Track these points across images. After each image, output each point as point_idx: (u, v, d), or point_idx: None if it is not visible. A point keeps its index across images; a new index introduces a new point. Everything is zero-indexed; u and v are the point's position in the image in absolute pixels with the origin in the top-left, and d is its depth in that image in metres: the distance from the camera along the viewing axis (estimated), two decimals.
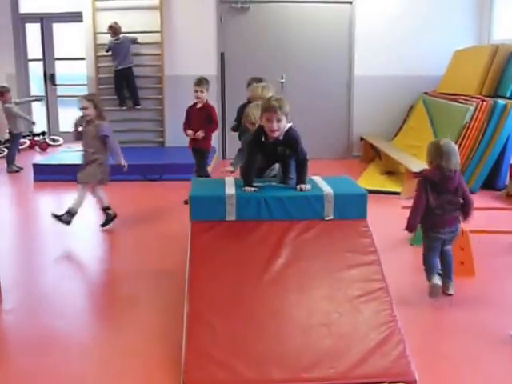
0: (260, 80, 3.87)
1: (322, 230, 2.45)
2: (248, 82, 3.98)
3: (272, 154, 2.57)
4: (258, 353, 1.96)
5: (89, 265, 3.26)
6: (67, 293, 2.86)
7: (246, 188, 2.50)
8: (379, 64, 6.37)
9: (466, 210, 2.61)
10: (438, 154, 2.56)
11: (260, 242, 2.38)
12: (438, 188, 2.56)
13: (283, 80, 6.42)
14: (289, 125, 2.47)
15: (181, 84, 6.42)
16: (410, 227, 2.63)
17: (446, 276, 2.70)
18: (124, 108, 6.40)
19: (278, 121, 2.39)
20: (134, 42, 6.23)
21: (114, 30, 6.11)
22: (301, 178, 2.53)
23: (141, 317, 2.51)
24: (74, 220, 3.72)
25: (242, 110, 3.79)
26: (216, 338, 2.01)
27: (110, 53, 6.22)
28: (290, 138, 2.48)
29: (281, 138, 2.47)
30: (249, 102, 3.58)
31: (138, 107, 6.40)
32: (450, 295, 2.67)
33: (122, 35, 6.15)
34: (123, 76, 6.25)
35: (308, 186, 2.52)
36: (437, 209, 2.57)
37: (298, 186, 2.52)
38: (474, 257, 2.97)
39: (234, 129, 3.95)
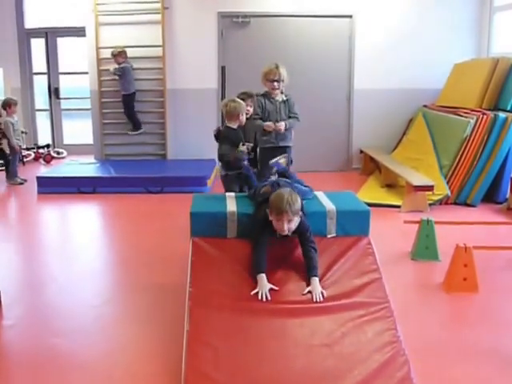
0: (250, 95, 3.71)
1: (324, 248, 2.44)
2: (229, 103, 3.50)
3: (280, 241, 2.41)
4: (259, 375, 1.93)
5: (90, 279, 3.25)
6: (68, 308, 2.85)
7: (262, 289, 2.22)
8: (379, 77, 6.41)
9: None
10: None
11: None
12: None
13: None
14: (298, 220, 2.30)
15: (182, 97, 6.49)
16: None
17: None
18: (140, 131, 6.42)
19: (289, 222, 2.26)
20: (131, 68, 6.31)
21: (124, 54, 6.15)
22: (313, 269, 2.30)
23: (142, 333, 2.50)
24: (76, 234, 3.71)
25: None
26: (216, 358, 1.97)
27: (117, 77, 6.24)
28: (300, 232, 2.35)
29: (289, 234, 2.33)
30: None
31: (141, 130, 6.44)
32: None
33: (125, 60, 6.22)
34: (133, 99, 6.30)
35: (319, 289, 2.24)
36: None
37: (312, 284, 2.26)
38: (476, 273, 2.95)
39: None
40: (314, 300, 2.22)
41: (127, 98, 6.29)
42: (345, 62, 6.47)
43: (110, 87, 6.40)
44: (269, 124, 3.63)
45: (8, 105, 5.91)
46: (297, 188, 2.55)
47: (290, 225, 2.29)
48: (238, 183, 3.38)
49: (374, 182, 5.69)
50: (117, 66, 6.19)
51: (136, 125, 6.42)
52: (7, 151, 5.93)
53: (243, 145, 3.32)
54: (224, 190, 3.38)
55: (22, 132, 6.26)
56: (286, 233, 2.31)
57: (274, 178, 2.92)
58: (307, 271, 2.32)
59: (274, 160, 3.17)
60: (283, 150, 3.70)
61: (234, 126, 3.35)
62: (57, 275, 3.34)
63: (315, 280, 2.28)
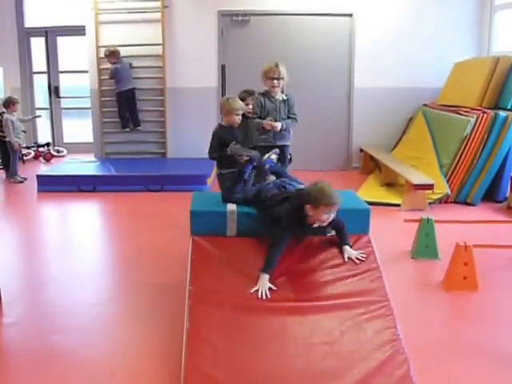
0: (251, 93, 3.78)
1: (324, 246, 2.44)
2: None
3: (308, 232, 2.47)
4: (259, 373, 1.93)
5: (90, 278, 3.26)
6: (69, 307, 2.85)
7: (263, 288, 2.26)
8: (379, 76, 6.41)
9: None
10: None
11: (261, 259, 2.36)
12: None
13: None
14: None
15: (182, 96, 6.49)
16: None
17: None
18: (127, 130, 6.46)
19: (334, 212, 2.34)
20: (130, 66, 6.35)
21: (116, 54, 6.18)
22: (345, 240, 2.47)
23: (142, 331, 2.50)
24: (77, 233, 3.71)
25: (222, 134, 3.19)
26: (215, 356, 1.97)
27: (112, 78, 6.26)
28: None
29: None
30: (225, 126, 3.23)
31: (139, 128, 6.47)
32: None
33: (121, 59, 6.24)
34: (125, 98, 6.31)
35: (354, 252, 2.44)
36: None
37: (347, 250, 2.44)
38: (476, 272, 2.95)
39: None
40: (358, 261, 2.39)
41: (116, 96, 6.32)
42: (345, 61, 6.46)
43: (110, 86, 6.40)
44: (269, 122, 3.63)
45: (12, 103, 5.96)
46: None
47: (333, 214, 2.36)
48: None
49: (374, 181, 5.70)
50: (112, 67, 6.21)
51: (122, 123, 6.43)
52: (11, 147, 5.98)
53: (236, 143, 3.27)
54: (220, 189, 3.37)
55: (23, 131, 6.29)
56: (326, 223, 2.38)
57: (270, 178, 2.91)
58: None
59: (265, 157, 3.13)
60: (281, 149, 3.69)
61: (226, 124, 3.32)
62: (57, 273, 3.34)
63: (346, 247, 2.44)
